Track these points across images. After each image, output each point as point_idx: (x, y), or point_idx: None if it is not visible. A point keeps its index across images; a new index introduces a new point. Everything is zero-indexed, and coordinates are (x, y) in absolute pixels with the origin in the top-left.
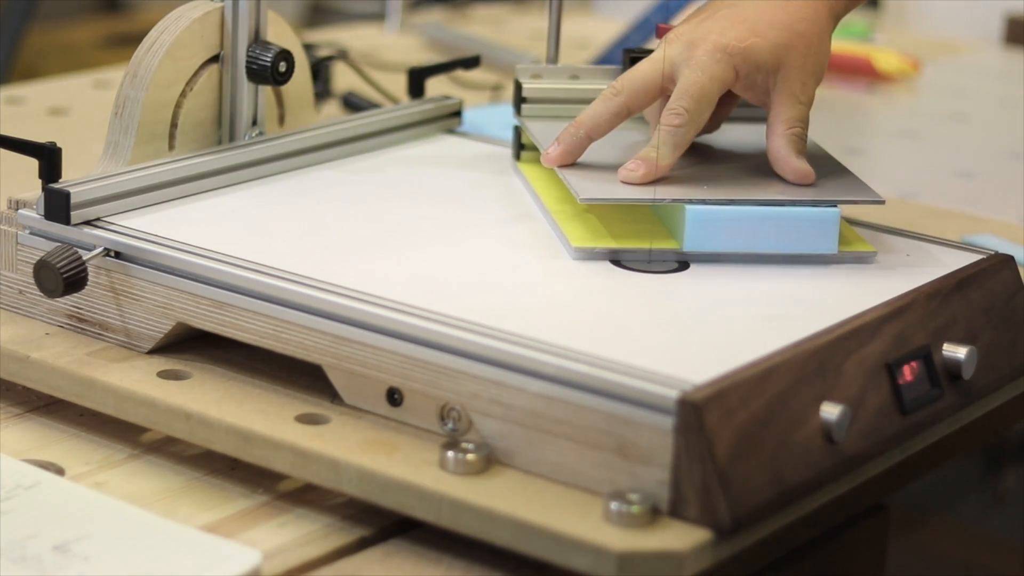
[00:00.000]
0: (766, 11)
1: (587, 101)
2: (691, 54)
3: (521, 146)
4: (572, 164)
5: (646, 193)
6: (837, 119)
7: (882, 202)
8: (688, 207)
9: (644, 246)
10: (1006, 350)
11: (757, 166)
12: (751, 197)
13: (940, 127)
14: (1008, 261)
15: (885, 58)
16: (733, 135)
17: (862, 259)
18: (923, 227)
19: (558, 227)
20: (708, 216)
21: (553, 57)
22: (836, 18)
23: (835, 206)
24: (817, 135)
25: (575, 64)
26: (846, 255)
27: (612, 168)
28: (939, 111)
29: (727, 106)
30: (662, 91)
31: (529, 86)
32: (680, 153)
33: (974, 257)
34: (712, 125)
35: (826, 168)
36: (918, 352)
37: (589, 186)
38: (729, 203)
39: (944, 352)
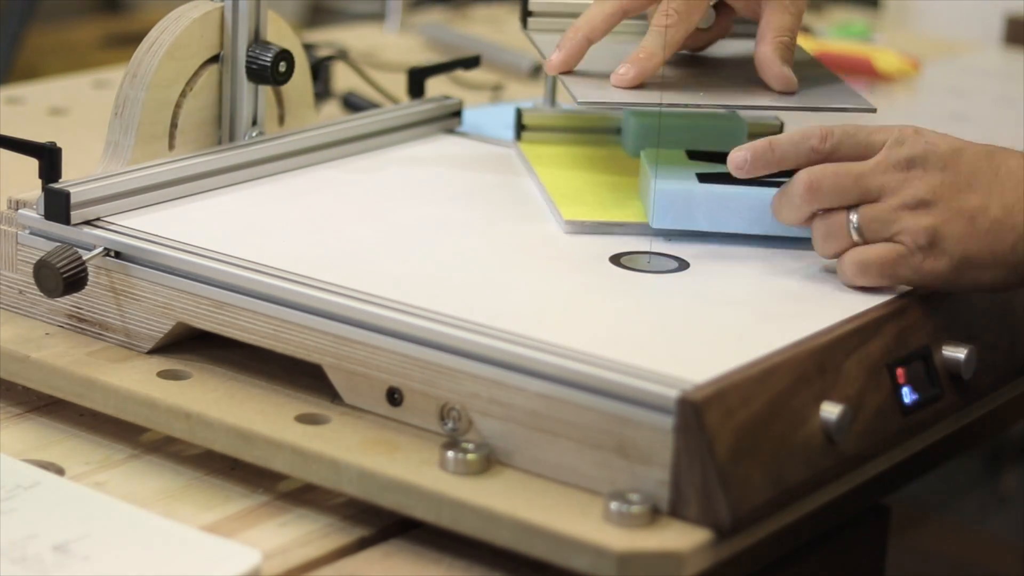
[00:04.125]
0: None
1: None
2: None
3: (522, 127)
4: (572, 72)
5: (643, 97)
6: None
7: (873, 110)
8: (656, 184)
9: (632, 220)
10: (1006, 350)
11: (748, 77)
12: (738, 102)
13: (940, 127)
14: None
15: (885, 58)
16: (729, 49)
17: None
18: None
19: (552, 202)
20: (675, 194)
21: None
22: None
23: None
24: None
25: None
26: None
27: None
28: (939, 111)
29: (723, 23)
30: None
31: None
32: (670, 53)
33: None
34: (711, 39)
35: (818, 78)
36: (918, 352)
37: (587, 91)
38: (702, 178)
39: (944, 352)
